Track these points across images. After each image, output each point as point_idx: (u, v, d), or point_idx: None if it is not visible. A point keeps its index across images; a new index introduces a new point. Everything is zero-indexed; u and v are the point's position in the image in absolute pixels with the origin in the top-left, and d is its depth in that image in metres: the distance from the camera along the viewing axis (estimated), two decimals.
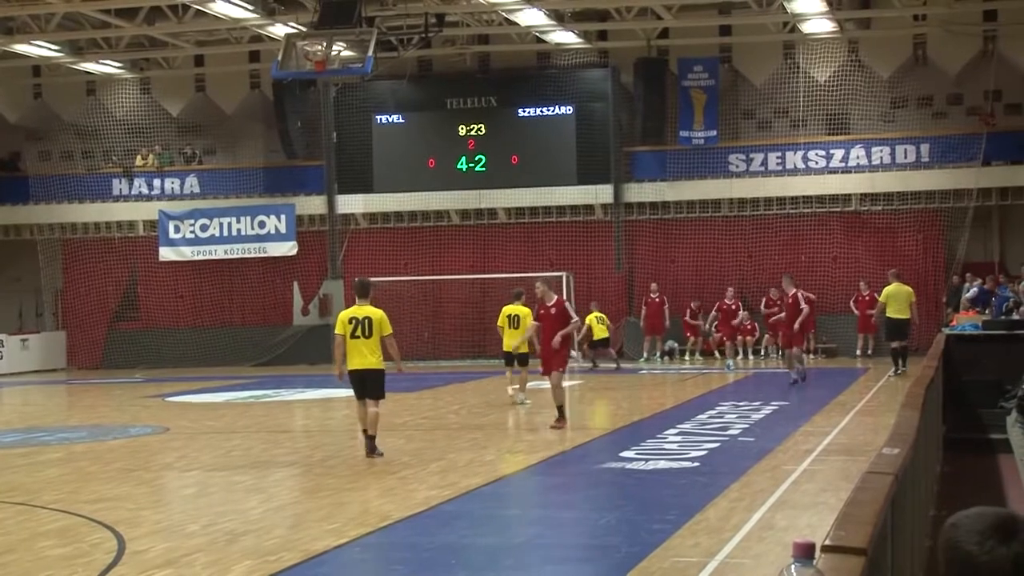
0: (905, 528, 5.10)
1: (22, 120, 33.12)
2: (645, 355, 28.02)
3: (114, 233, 31.98)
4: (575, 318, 15.95)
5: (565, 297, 28.17)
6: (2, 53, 29.54)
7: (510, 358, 18.77)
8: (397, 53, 25.43)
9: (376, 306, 13.39)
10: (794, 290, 20.74)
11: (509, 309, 18.73)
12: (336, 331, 13.40)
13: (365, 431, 13.22)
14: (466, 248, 30.11)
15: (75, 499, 10.74)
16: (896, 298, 21.66)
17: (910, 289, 22.20)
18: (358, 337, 13.06)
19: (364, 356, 13.03)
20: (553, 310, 15.67)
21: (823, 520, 8.69)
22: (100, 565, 8.04)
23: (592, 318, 26.32)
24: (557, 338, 15.40)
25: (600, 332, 26.48)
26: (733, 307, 27.24)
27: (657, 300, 28.05)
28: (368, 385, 13.15)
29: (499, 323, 19.00)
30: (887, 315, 21.83)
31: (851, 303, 27.02)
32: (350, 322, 13.13)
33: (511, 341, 18.38)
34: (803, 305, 20.42)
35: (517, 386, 18.64)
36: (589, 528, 9.40)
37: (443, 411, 18.48)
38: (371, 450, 13.12)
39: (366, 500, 10.35)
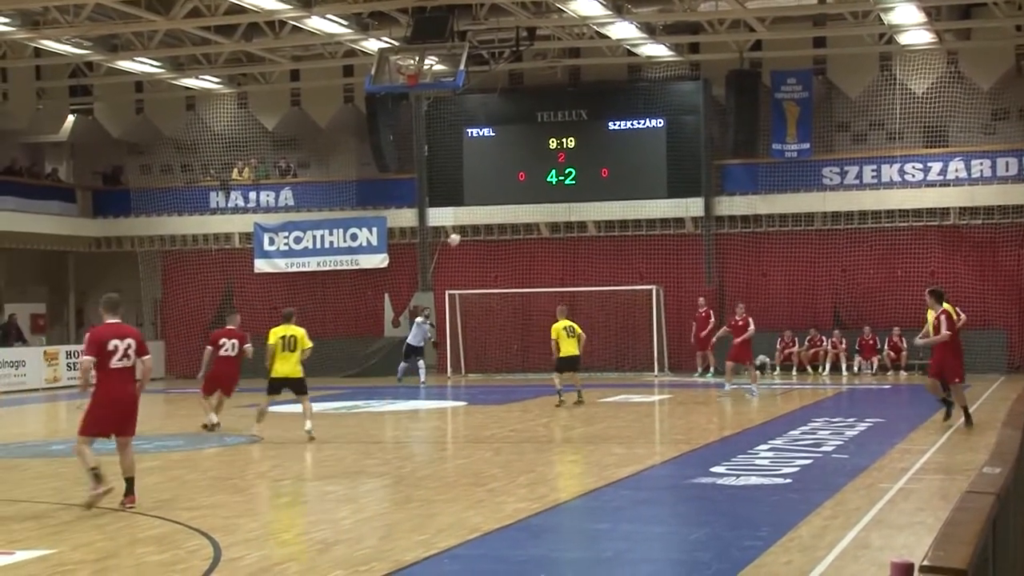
0: (1007, 550, 4.97)
1: (125, 135, 34.06)
2: (700, 371, 27.65)
3: (211, 245, 32.68)
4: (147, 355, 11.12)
5: (655, 311, 28.50)
6: (107, 70, 30.44)
7: (568, 365, 20.73)
8: (488, 67, 25.59)
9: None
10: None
11: (563, 323, 20.76)
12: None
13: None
14: (555, 261, 30.14)
15: (172, 506, 10.96)
16: None
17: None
18: None
19: None
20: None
21: (920, 540, 8.50)
22: (197, 572, 8.20)
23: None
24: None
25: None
26: (741, 323, 22.63)
27: (703, 315, 27.66)
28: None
29: (554, 336, 20.70)
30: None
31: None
32: None
33: (570, 349, 20.56)
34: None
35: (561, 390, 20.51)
36: (679, 543, 9.33)
37: (532, 423, 18.48)
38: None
39: (456, 512, 10.39)
